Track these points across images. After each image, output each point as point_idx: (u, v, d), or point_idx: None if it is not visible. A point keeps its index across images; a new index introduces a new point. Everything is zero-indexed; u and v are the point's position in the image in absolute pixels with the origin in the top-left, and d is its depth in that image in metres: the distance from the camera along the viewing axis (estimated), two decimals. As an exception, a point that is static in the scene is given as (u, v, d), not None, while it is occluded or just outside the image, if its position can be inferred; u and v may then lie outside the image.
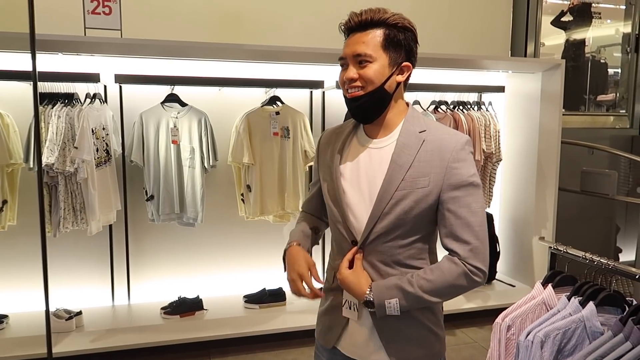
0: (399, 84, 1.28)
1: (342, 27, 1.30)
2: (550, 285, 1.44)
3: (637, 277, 1.26)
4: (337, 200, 1.31)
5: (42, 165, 2.62)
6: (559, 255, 1.52)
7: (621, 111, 4.72)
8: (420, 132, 1.26)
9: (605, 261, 1.34)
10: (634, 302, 1.30)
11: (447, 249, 1.24)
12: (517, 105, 3.75)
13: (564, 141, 3.48)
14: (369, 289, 1.24)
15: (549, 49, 4.65)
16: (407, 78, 1.30)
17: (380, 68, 1.24)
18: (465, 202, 1.21)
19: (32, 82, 1.43)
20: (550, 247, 1.48)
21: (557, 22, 4.59)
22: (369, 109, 1.27)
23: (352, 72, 1.25)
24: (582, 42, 4.82)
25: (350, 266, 1.28)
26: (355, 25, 1.25)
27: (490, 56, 3.70)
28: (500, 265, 3.84)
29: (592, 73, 4.97)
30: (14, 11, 2.80)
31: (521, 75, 3.67)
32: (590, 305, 1.27)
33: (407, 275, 1.24)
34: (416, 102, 3.53)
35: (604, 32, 4.85)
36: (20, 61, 2.77)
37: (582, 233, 4.20)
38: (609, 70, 4.92)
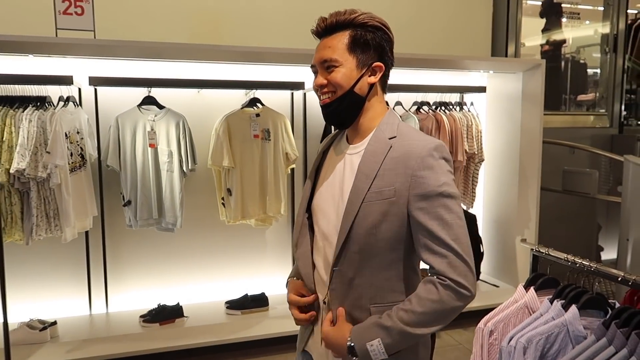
0: (372, 85, 1.23)
1: (312, 33, 1.26)
2: (532, 288, 1.42)
3: (619, 279, 1.24)
4: (302, 201, 1.29)
5: (13, 171, 2.54)
6: (541, 257, 1.49)
7: (601, 110, 4.76)
8: (390, 139, 1.20)
9: (588, 263, 1.31)
10: (617, 305, 1.28)
11: (426, 263, 1.15)
12: (498, 106, 3.75)
13: (545, 141, 3.49)
14: (349, 335, 1.15)
15: (530, 50, 4.68)
16: (383, 78, 1.26)
17: (348, 71, 1.19)
18: (436, 214, 1.12)
19: None
20: (532, 250, 1.46)
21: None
22: (341, 113, 1.22)
23: (320, 78, 1.21)
24: (561, 43, 4.87)
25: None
26: (322, 31, 1.22)
27: (471, 56, 3.70)
28: (484, 266, 3.84)
29: (572, 73, 5.02)
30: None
31: (502, 75, 3.67)
32: (573, 308, 1.25)
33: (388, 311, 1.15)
34: (398, 103, 3.51)
35: (583, 33, 4.90)
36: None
37: (564, 232, 4.22)
38: (588, 70, 4.98)
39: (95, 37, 2.62)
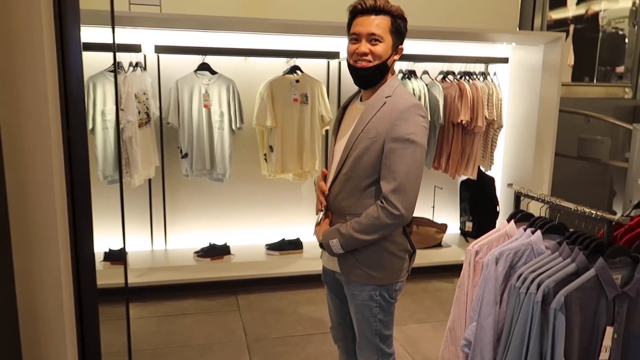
0: (394, 61, 1.64)
1: (354, 9, 1.62)
2: (512, 220, 1.80)
3: (572, 209, 1.61)
4: (330, 148, 1.72)
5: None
6: (522, 197, 1.87)
7: (627, 82, 4.91)
8: (386, 97, 1.60)
9: (553, 200, 1.69)
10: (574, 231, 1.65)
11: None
12: (520, 76, 4.01)
13: (562, 109, 3.75)
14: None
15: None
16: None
17: (386, 47, 1.59)
18: (400, 154, 1.52)
19: (112, 53, 1.79)
20: (515, 191, 1.84)
21: None
22: (373, 78, 1.62)
23: (365, 47, 1.58)
24: (595, 15, 4.99)
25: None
26: (369, 9, 1.58)
27: (495, 29, 3.95)
28: (500, 223, 4.18)
29: (607, 45, 5.13)
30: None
31: (525, 47, 3.92)
32: (538, 233, 1.62)
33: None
34: (425, 72, 3.84)
35: (620, 5, 4.99)
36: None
37: (581, 198, 4.46)
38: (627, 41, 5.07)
39: (161, 11, 3.04)
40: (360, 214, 1.60)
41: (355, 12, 1.62)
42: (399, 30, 1.60)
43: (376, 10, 1.58)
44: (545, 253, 1.57)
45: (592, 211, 1.57)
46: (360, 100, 1.71)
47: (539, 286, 1.46)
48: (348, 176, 1.61)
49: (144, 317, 3.06)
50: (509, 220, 1.82)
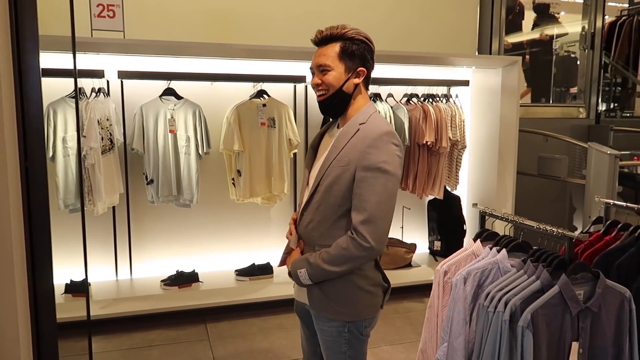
0: (356, 85, 1.60)
1: (314, 44, 1.64)
2: (479, 240, 1.83)
3: (534, 227, 1.66)
4: (305, 174, 1.70)
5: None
6: (486, 216, 1.91)
7: (581, 102, 5.15)
8: (360, 124, 1.56)
9: (516, 219, 1.73)
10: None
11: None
12: (481, 98, 4.14)
13: (521, 130, 3.88)
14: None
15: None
16: (366, 79, 1.63)
17: (338, 74, 1.57)
18: (371, 183, 1.47)
19: (73, 79, 1.73)
20: (480, 211, 1.88)
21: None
22: (333, 107, 1.61)
23: (316, 79, 1.60)
24: (549, 39, 5.27)
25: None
26: (319, 41, 1.60)
27: (456, 54, 4.08)
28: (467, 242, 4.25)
29: (562, 67, 5.41)
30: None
31: (484, 70, 4.06)
32: (503, 251, 1.66)
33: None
34: (390, 95, 3.92)
35: (571, 30, 5.29)
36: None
37: (542, 214, 4.62)
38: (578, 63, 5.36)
39: (124, 37, 3.01)
40: (329, 245, 1.55)
41: (315, 45, 1.65)
42: (352, 53, 1.56)
43: (325, 40, 1.59)
44: (511, 271, 1.61)
45: (553, 229, 1.62)
46: (337, 127, 1.69)
47: (506, 304, 1.48)
48: (319, 204, 1.58)
49: (109, 350, 2.94)
50: (475, 240, 1.85)
